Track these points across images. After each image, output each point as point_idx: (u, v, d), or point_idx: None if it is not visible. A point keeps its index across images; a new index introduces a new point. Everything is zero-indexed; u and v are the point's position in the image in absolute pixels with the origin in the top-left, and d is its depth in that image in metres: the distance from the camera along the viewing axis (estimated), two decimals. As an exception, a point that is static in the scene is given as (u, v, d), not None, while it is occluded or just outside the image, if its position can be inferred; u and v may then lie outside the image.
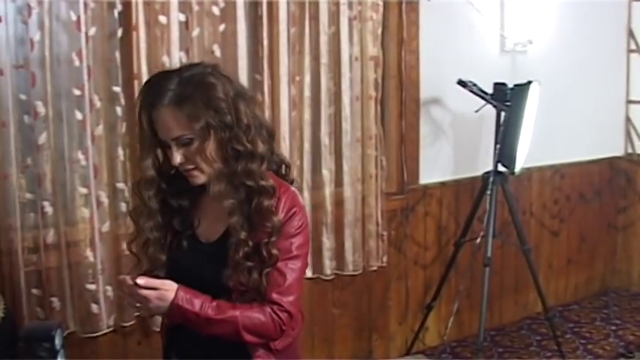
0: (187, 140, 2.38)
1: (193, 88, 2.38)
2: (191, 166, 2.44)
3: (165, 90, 2.38)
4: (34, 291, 3.63)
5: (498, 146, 4.60)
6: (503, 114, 4.62)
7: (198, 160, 2.41)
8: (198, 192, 2.58)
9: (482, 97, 4.62)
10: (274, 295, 2.44)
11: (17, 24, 3.50)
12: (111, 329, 3.83)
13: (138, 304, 2.39)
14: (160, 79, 2.46)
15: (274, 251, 2.43)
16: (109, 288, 3.76)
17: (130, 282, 2.33)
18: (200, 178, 2.47)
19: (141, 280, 2.33)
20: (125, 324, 3.88)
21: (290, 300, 2.46)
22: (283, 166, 2.67)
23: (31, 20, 3.48)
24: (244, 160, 2.42)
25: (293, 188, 2.60)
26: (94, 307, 3.73)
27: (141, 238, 2.60)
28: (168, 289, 2.36)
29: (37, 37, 3.50)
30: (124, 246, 3.64)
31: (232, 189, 2.44)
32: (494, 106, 4.63)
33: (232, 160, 2.42)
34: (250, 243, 2.42)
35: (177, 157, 2.41)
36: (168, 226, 2.61)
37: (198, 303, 2.37)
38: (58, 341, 2.26)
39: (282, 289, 2.45)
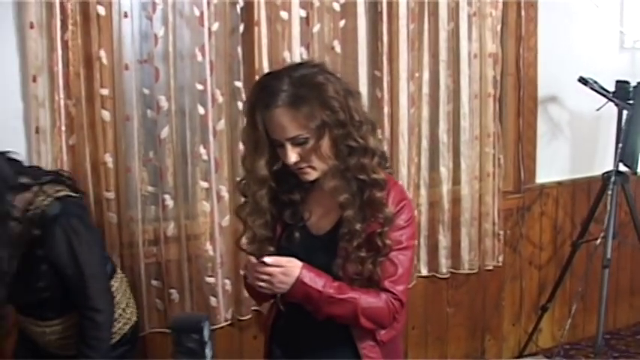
0: (303, 140, 2.36)
1: (307, 88, 2.35)
2: (305, 164, 2.42)
3: (278, 91, 2.34)
4: (154, 282, 3.59)
5: (620, 145, 4.34)
6: (625, 112, 4.35)
7: (313, 158, 2.40)
8: (307, 185, 2.55)
9: (604, 95, 4.37)
10: (387, 284, 2.44)
11: (142, 19, 3.46)
12: (228, 322, 3.76)
13: (262, 282, 2.36)
14: (270, 80, 2.42)
15: (388, 241, 2.41)
16: (227, 281, 3.69)
17: (255, 260, 2.34)
18: (312, 175, 2.45)
19: (268, 259, 2.33)
20: (242, 317, 3.79)
21: (401, 289, 2.46)
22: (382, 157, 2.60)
23: (155, 16, 3.44)
24: (357, 155, 2.39)
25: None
26: (213, 300, 3.66)
27: (249, 234, 2.59)
28: (294, 265, 2.35)
29: (161, 32, 3.45)
30: (243, 240, 3.58)
31: (345, 183, 2.42)
32: (616, 105, 4.38)
33: (346, 156, 2.40)
34: (363, 234, 2.40)
35: (293, 157, 2.38)
36: (278, 220, 2.58)
37: (321, 281, 2.36)
38: (206, 332, 2.26)
39: (395, 278, 2.44)
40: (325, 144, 2.38)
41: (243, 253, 3.47)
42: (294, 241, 2.56)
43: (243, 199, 2.61)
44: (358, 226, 2.40)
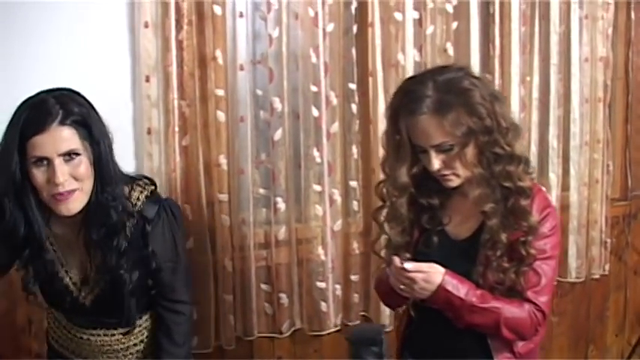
0: (448, 147, 2.26)
1: (453, 94, 2.24)
2: (449, 171, 2.30)
3: (423, 96, 2.23)
4: (263, 286, 3.43)
5: None
6: None
7: (457, 165, 2.30)
8: (447, 190, 2.42)
9: None
10: (530, 294, 2.31)
11: (256, 20, 3.32)
12: (337, 328, 3.57)
13: (402, 286, 2.26)
14: (414, 84, 2.31)
15: (532, 250, 2.29)
16: (337, 286, 3.51)
17: (399, 264, 2.22)
18: (455, 182, 2.34)
19: (409, 265, 2.23)
20: (351, 323, 3.60)
21: (544, 300, 2.34)
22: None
23: (269, 16, 3.29)
24: (503, 162, 2.28)
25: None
26: (323, 306, 3.48)
27: (384, 238, 2.50)
28: (436, 272, 2.24)
29: (275, 33, 3.29)
30: (355, 245, 3.50)
31: (490, 191, 2.30)
32: None
33: (491, 164, 2.29)
34: (506, 242, 2.29)
35: (436, 164, 2.29)
36: (416, 224, 2.47)
37: (463, 289, 2.25)
38: (384, 345, 2.22)
39: (538, 289, 2.32)
40: (470, 151, 2.27)
41: (355, 257, 3.44)
42: (432, 245, 2.44)
43: (380, 203, 2.52)
44: (503, 236, 2.28)
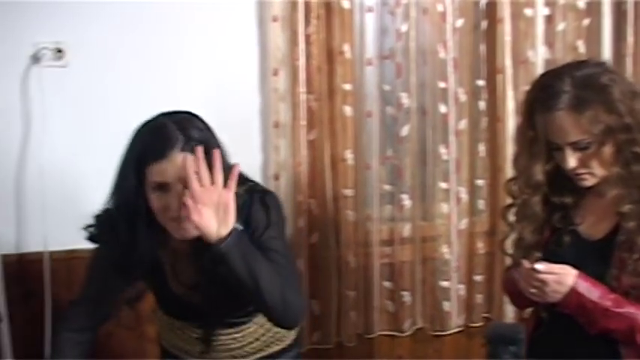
0: (585, 145, 2.12)
1: (591, 90, 2.10)
2: (584, 170, 2.17)
3: (560, 92, 2.11)
4: (386, 284, 3.35)
5: None
6: None
7: (594, 163, 2.15)
8: (581, 189, 2.28)
9: None
10: None
11: (384, 14, 3.24)
12: (458, 329, 3.46)
13: (533, 289, 2.14)
14: (551, 79, 2.18)
15: None
16: (461, 286, 3.40)
17: (529, 266, 2.12)
18: (591, 181, 2.20)
19: (540, 266, 2.10)
20: (473, 324, 3.48)
21: None
22: None
23: (398, 11, 3.21)
24: None
25: None
26: (446, 305, 3.38)
27: (514, 237, 2.37)
28: (568, 273, 2.11)
29: (403, 28, 3.21)
30: (480, 244, 3.40)
31: (628, 192, 2.16)
32: None
33: (630, 163, 2.13)
34: None
35: (572, 162, 2.15)
36: (547, 223, 2.33)
37: (597, 292, 2.11)
38: (522, 345, 2.07)
39: None
40: (608, 149, 2.12)
41: (479, 257, 3.32)
42: (563, 245, 2.29)
43: (508, 201, 2.40)
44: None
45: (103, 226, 2.14)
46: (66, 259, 2.95)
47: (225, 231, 1.90)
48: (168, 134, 1.93)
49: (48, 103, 2.89)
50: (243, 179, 2.13)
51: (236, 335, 2.33)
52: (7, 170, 2.93)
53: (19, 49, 2.88)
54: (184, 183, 1.91)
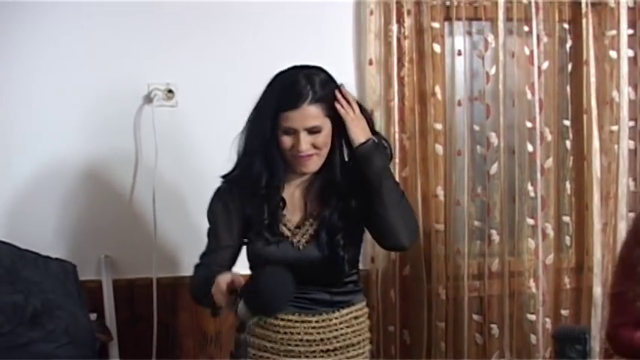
0: None
1: None
2: None
3: None
4: (475, 317, 3.23)
5: None
6: None
7: None
8: None
9: None
10: None
11: (473, 58, 3.19)
12: (546, 362, 3.28)
13: None
14: None
15: None
16: (547, 320, 3.24)
17: None
18: None
19: None
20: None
21: None
22: None
23: (486, 55, 3.16)
24: None
25: None
26: (532, 338, 3.22)
27: None
28: None
29: (492, 70, 3.15)
30: (566, 280, 3.26)
31: None
32: None
33: None
34: None
35: None
36: None
37: None
38: (587, 345, 2.11)
39: None
40: None
41: (565, 292, 3.18)
42: None
43: None
44: None
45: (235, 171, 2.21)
46: (172, 284, 2.92)
47: (368, 135, 2.11)
48: (299, 90, 2.05)
49: (159, 138, 2.88)
50: None
51: (322, 324, 2.20)
52: (120, 202, 2.94)
53: (133, 89, 2.91)
54: (309, 129, 2.06)
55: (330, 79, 2.14)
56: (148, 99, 2.89)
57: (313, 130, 2.07)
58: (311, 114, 2.05)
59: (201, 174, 2.90)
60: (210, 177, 2.66)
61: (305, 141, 2.07)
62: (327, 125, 2.09)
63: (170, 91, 2.91)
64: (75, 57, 2.84)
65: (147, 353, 2.89)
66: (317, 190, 2.19)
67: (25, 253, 2.61)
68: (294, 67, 2.15)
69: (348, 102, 2.10)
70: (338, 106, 2.08)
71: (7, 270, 2.49)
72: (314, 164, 2.12)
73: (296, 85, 2.07)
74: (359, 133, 2.08)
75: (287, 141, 2.09)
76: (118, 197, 2.91)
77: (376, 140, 2.10)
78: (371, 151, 2.08)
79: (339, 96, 2.09)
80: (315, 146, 2.09)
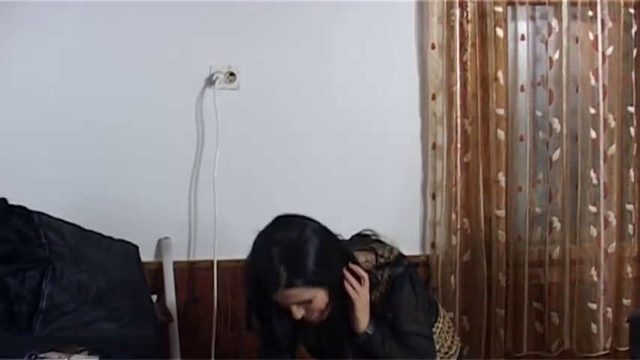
0: None
1: None
2: None
3: None
4: (535, 304, 3.10)
5: None
6: None
7: None
8: None
9: None
10: None
11: (537, 43, 3.05)
12: (605, 352, 3.14)
13: None
14: None
15: None
16: (609, 309, 3.12)
17: None
18: None
19: None
20: (620, 348, 3.16)
21: None
22: None
23: (550, 39, 3.02)
24: None
25: None
26: (593, 327, 3.10)
27: None
28: None
29: (555, 55, 3.02)
30: (628, 269, 3.13)
31: None
32: None
33: None
34: None
35: None
36: None
37: None
38: None
39: None
40: None
41: (627, 281, 3.07)
42: None
43: None
44: None
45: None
46: (232, 267, 2.81)
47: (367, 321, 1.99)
48: (275, 274, 1.88)
49: (220, 120, 2.79)
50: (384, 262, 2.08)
51: None
52: (182, 183, 2.86)
53: (196, 72, 2.83)
54: (297, 303, 1.93)
55: (313, 245, 1.93)
56: (210, 81, 2.81)
57: (302, 302, 1.94)
58: (291, 294, 1.91)
59: (262, 156, 2.85)
60: (271, 159, 2.58)
61: (297, 312, 1.95)
62: (318, 293, 1.94)
63: (232, 74, 2.83)
64: (139, 41, 2.76)
65: (206, 335, 2.82)
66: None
67: (88, 233, 2.55)
68: (268, 243, 1.93)
69: (358, 278, 1.97)
70: (348, 287, 1.95)
71: (71, 250, 2.44)
72: (316, 319, 2.00)
73: (271, 271, 1.90)
74: (362, 320, 1.98)
75: (283, 306, 1.96)
76: (180, 179, 2.83)
77: (371, 331, 1.99)
78: (371, 341, 1.98)
79: (347, 275, 1.96)
80: (310, 311, 1.96)
